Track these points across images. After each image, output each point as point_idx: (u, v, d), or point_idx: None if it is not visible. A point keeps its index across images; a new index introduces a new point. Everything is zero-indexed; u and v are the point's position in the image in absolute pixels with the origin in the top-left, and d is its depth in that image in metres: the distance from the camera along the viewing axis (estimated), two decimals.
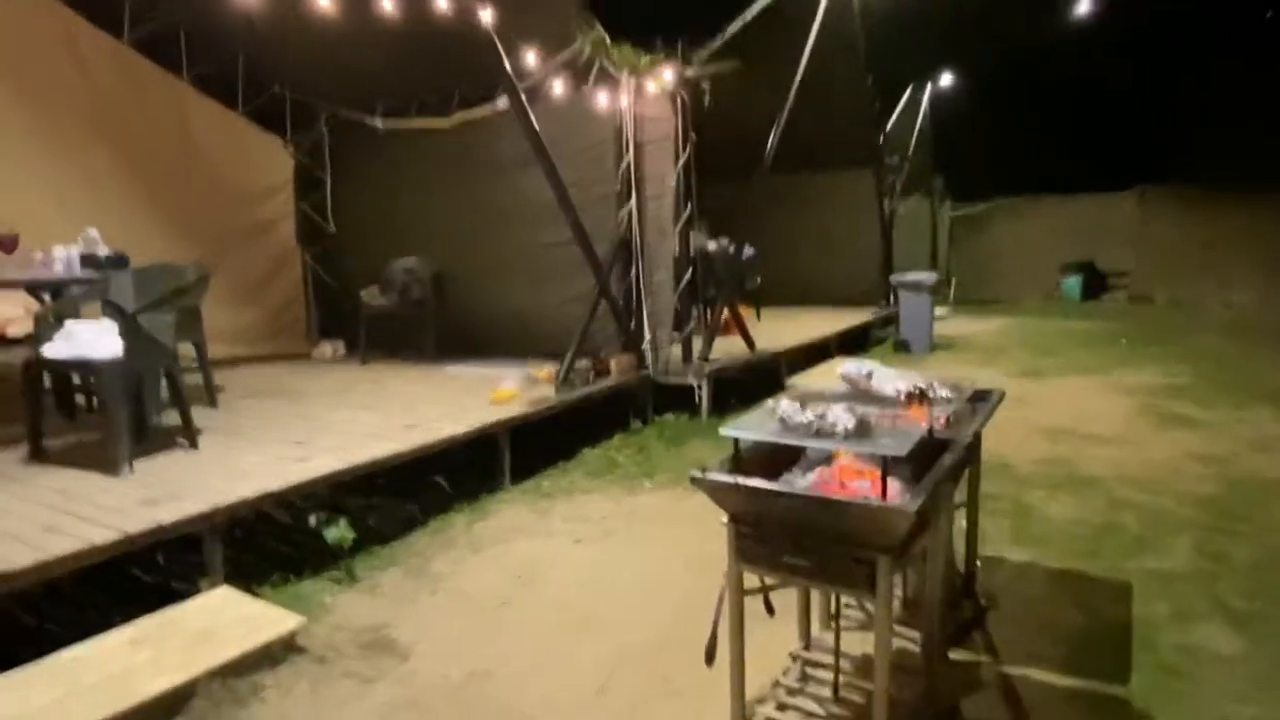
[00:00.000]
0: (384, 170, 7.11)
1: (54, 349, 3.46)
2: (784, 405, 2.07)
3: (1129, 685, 2.50)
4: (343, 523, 3.51)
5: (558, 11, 5.37)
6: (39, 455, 3.64)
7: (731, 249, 7.26)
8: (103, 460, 3.44)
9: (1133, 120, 15.05)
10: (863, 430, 1.95)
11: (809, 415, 1.97)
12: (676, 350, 6.06)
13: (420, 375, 6.07)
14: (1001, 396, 2.99)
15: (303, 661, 2.78)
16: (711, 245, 6.77)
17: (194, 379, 4.83)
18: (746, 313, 8.46)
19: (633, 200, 5.88)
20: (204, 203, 6.56)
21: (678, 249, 5.94)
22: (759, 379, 6.65)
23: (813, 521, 1.98)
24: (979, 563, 3.28)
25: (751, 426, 2.05)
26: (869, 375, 2.40)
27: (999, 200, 15.58)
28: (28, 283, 3.96)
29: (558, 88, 5.68)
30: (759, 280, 9.39)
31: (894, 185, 11.89)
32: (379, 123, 6.85)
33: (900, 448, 1.87)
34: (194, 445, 3.83)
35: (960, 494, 2.80)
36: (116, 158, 5.97)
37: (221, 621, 2.80)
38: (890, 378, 2.38)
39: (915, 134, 12.53)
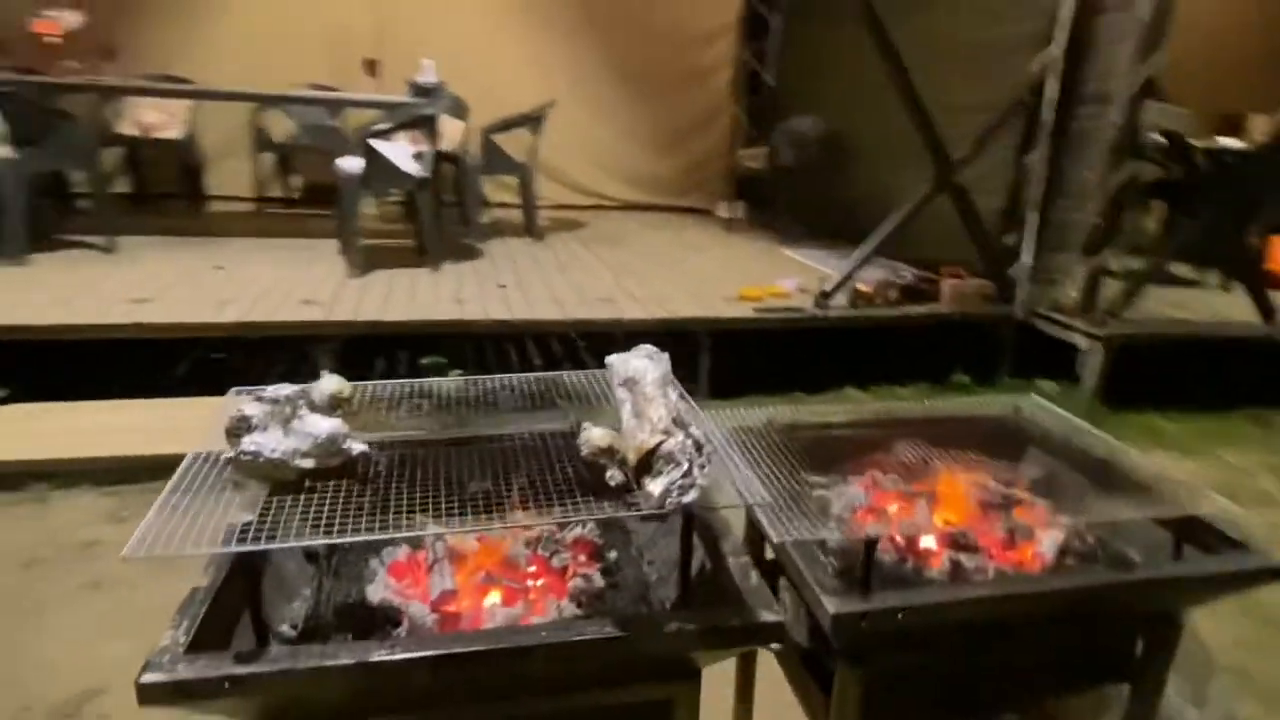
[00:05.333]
0: (832, 11, 6.08)
1: (342, 162, 4.06)
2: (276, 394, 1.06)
3: None
4: (454, 374, 3.43)
5: None
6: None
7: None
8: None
9: None
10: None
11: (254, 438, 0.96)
12: (1074, 289, 3.95)
13: (750, 252, 5.37)
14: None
15: None
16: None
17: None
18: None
19: (1059, 41, 3.79)
20: (646, 49, 6.66)
21: (1124, 128, 3.68)
22: (1259, 370, 3.95)
23: None
24: None
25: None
26: (633, 382, 1.07)
27: None
28: (365, 104, 4.66)
29: None
30: None
31: None
32: None
33: None
34: (434, 267, 4.15)
35: None
36: (572, 7, 6.43)
37: None
38: (651, 393, 1.02)
39: None
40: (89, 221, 4.39)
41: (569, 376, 1.32)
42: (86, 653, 1.98)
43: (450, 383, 1.25)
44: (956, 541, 1.20)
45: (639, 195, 7.04)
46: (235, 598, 0.91)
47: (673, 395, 1.05)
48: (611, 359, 1.15)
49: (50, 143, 3.96)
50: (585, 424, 0.98)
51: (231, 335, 3.20)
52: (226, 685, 0.80)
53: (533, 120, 5.06)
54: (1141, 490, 1.22)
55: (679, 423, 0.99)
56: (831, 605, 0.97)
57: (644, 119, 6.87)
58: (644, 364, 1.10)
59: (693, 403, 1.18)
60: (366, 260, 4.02)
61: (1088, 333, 3.81)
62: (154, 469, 2.66)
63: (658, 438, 0.94)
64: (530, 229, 5.25)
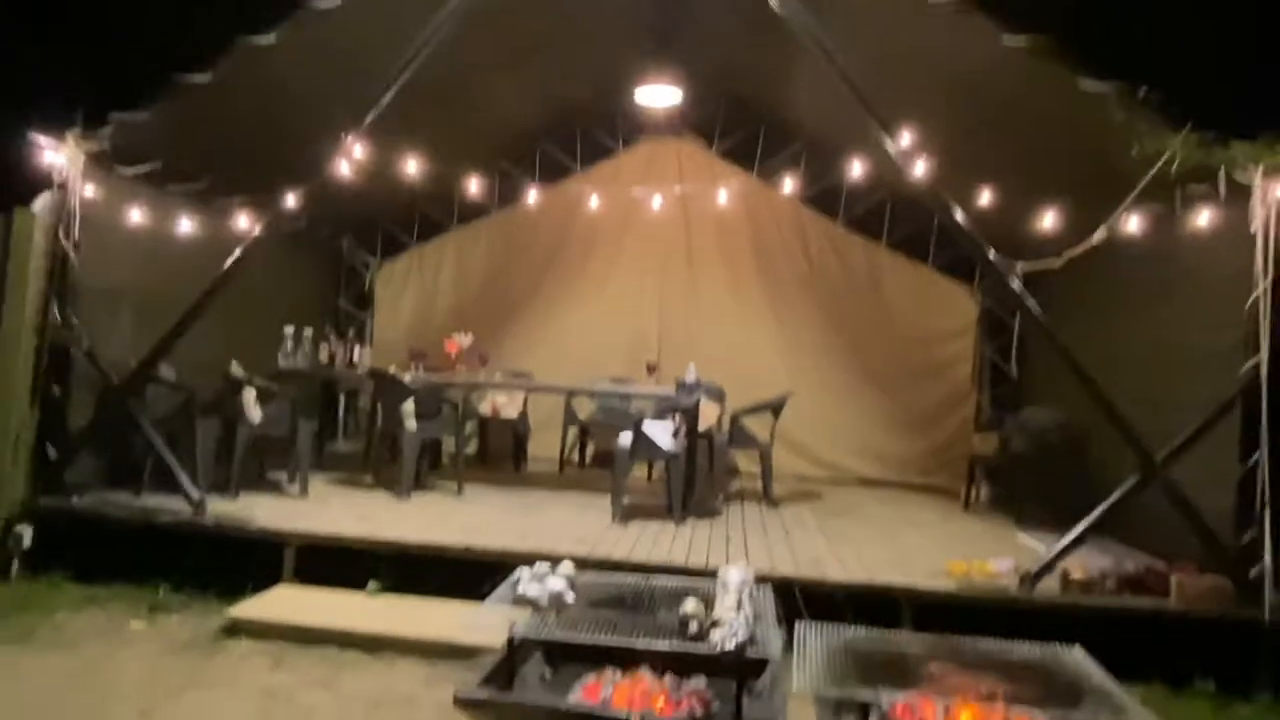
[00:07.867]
0: (1062, 312, 6.63)
1: (619, 437, 5.36)
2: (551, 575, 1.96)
3: None
4: None
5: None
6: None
7: None
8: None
9: None
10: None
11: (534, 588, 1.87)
12: None
13: (977, 532, 5.57)
14: None
15: None
16: None
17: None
18: None
19: (1263, 350, 3.97)
20: (888, 347, 7.63)
21: None
22: None
23: None
24: None
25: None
26: (723, 583, 1.81)
27: None
28: (644, 395, 6.03)
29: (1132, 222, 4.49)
30: None
31: None
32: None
33: None
34: (678, 522, 5.10)
35: None
36: (819, 313, 7.75)
37: None
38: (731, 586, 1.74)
39: None
40: (449, 473, 6.13)
41: (707, 584, 2.08)
42: None
43: (632, 577, 2.07)
44: None
45: (880, 472, 7.58)
46: (506, 670, 1.75)
47: (744, 593, 1.77)
48: (719, 570, 1.90)
49: (437, 420, 5.83)
50: (687, 599, 1.73)
51: (525, 559, 4.32)
52: (486, 702, 1.63)
53: (774, 407, 6.11)
54: (1117, 711, 1.59)
55: (740, 607, 1.71)
56: None
57: (886, 404, 7.63)
58: (733, 574, 1.84)
59: (770, 597, 1.88)
60: (628, 513, 5.10)
61: None
62: (460, 653, 3.69)
63: (723, 613, 1.67)
64: (766, 496, 6.05)
